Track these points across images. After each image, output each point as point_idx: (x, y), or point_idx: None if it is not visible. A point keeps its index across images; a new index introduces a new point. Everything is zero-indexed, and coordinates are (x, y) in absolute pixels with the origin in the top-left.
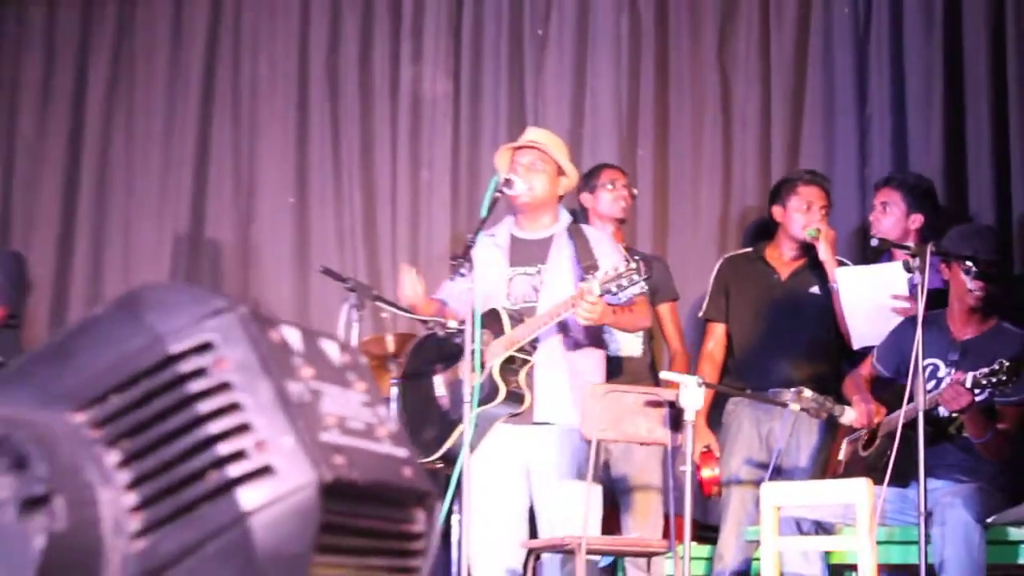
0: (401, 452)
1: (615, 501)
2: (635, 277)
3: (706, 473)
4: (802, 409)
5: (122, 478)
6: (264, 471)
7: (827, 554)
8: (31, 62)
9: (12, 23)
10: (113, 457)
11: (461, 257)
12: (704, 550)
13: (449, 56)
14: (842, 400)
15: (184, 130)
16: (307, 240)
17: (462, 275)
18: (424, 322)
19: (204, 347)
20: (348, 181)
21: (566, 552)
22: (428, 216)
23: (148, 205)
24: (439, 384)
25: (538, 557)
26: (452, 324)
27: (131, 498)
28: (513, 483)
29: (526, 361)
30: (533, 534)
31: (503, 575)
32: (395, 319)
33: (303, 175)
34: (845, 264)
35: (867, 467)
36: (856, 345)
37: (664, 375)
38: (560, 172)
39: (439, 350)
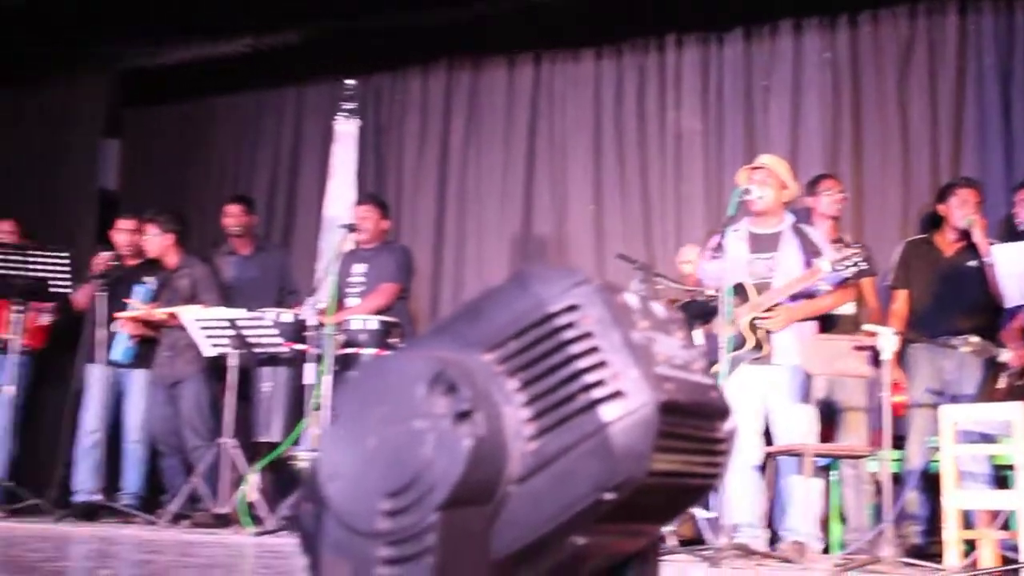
0: (708, 380)
1: (832, 419)
2: (858, 259)
3: (897, 398)
4: (972, 352)
5: (519, 399)
6: (617, 394)
7: (991, 458)
8: (411, 116)
9: (394, 88)
10: (512, 384)
11: (714, 247)
12: (896, 454)
13: (699, 102)
14: (1000, 345)
15: (516, 162)
16: (602, 234)
17: (716, 258)
18: (688, 291)
19: (572, 307)
20: (630, 193)
21: (796, 455)
22: (687, 216)
23: (492, 214)
24: (698, 336)
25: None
26: (708, 292)
27: (525, 413)
28: (755, 406)
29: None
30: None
31: (749, 470)
32: (667, 289)
33: (599, 189)
34: (994, 244)
35: (1021, 394)
36: (1008, 304)
37: (866, 327)
38: (783, 185)
39: (699, 310)
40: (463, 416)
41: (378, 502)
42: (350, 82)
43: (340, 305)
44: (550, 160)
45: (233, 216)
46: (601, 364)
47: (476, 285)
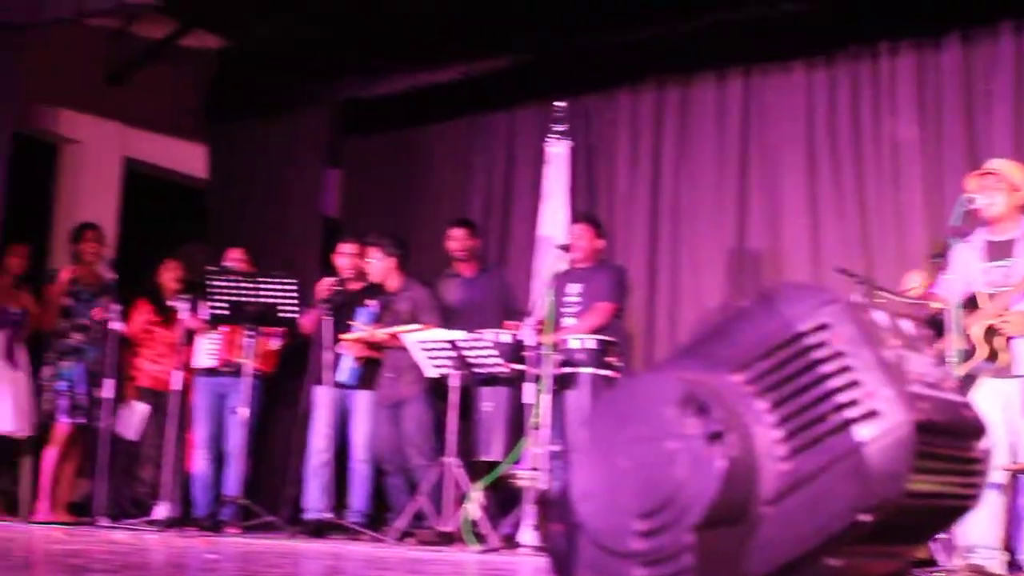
0: (960, 398)
1: None
2: None
3: None
4: None
5: (769, 419)
6: (872, 414)
7: None
8: (622, 135)
9: (604, 107)
10: (762, 405)
11: (941, 256)
12: None
13: (916, 110)
14: None
15: (728, 177)
16: (818, 248)
17: (942, 270)
18: (913, 305)
19: (822, 326)
20: (846, 205)
21: None
22: (907, 228)
23: (706, 230)
24: None
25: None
26: (935, 304)
27: (776, 433)
28: (994, 421)
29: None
30: None
31: (987, 489)
32: (890, 304)
33: (813, 202)
34: None
35: None
36: None
37: None
38: (1015, 188)
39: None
40: (715, 437)
41: (632, 522)
42: (560, 104)
43: (556, 325)
44: (762, 174)
45: (457, 240)
46: (854, 383)
47: (691, 303)
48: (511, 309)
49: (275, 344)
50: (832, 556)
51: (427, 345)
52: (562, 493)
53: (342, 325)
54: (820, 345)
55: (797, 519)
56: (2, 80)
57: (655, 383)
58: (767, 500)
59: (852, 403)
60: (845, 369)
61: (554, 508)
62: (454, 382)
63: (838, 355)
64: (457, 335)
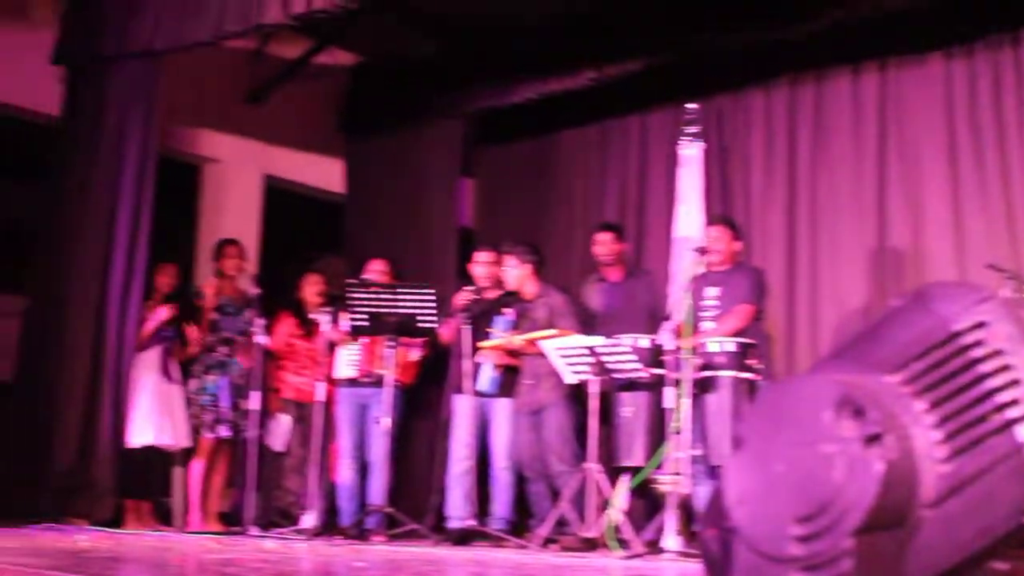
0: None
1: None
2: None
3: None
4: None
5: (928, 420)
6: None
7: None
8: (755, 135)
9: (736, 108)
10: (919, 405)
11: None
12: None
13: None
14: None
15: (866, 173)
16: (962, 244)
17: None
18: None
19: (980, 325)
20: (991, 198)
21: None
22: None
23: (845, 228)
24: None
25: None
26: None
27: (936, 435)
28: None
29: None
30: None
31: None
32: None
33: (955, 196)
34: None
35: None
36: None
37: None
38: None
39: None
40: (873, 439)
41: (789, 527)
42: (692, 106)
43: (695, 328)
44: (902, 169)
45: (603, 244)
46: (1015, 382)
47: (831, 304)
48: (661, 315)
49: (415, 354)
50: (998, 560)
51: (565, 351)
52: (716, 498)
53: (481, 334)
54: (978, 344)
55: (959, 522)
56: (146, 105)
57: (810, 386)
58: (928, 503)
59: (1013, 403)
60: (1005, 368)
61: (708, 513)
62: (594, 388)
63: (997, 353)
64: (595, 340)
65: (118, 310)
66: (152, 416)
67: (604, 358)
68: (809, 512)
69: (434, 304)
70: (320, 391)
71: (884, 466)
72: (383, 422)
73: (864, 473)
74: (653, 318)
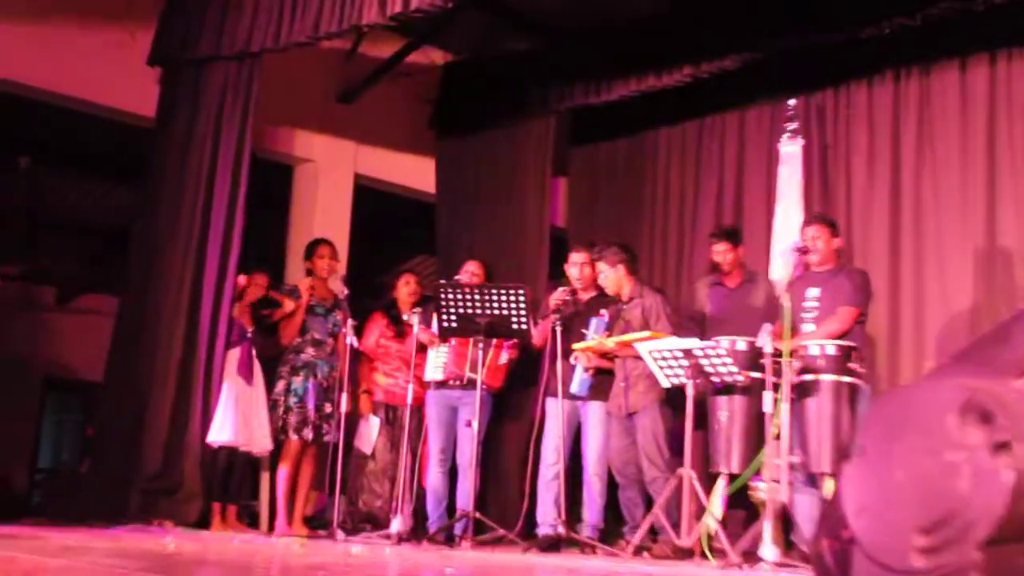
0: None
1: None
2: None
3: None
4: None
5: None
6: None
7: None
8: (857, 131)
9: (838, 103)
10: None
11: None
12: None
13: None
14: None
15: (974, 170)
16: None
17: None
18: None
19: None
20: None
21: None
22: None
23: (952, 227)
24: None
25: None
26: None
27: None
28: None
29: None
30: None
31: None
32: None
33: None
34: None
35: None
36: None
37: None
38: None
39: None
40: (1001, 447)
41: (912, 538)
42: (792, 101)
43: (795, 331)
44: (1013, 165)
45: (721, 254)
46: None
47: (937, 306)
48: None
49: (506, 356)
50: None
51: (660, 353)
52: (832, 507)
53: (574, 335)
54: None
55: None
56: (242, 105)
57: (933, 390)
58: None
59: None
60: None
61: (823, 523)
62: (689, 391)
63: None
64: (691, 343)
65: (210, 312)
66: (230, 416)
67: (700, 361)
68: (933, 523)
69: (526, 305)
70: (410, 393)
71: (1013, 476)
72: (472, 425)
73: (992, 483)
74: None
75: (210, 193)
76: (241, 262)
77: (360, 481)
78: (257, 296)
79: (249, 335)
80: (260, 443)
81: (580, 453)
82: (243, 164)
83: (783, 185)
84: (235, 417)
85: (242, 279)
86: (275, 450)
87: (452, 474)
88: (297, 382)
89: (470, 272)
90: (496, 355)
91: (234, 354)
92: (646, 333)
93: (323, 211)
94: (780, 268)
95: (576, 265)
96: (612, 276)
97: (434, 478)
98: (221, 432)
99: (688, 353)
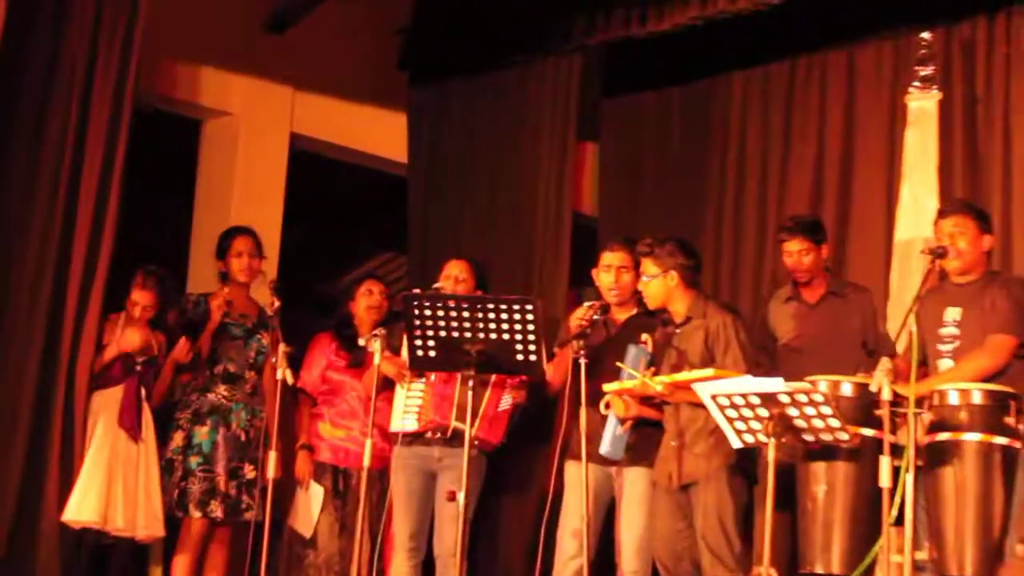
0: None
1: None
2: None
3: None
4: None
5: None
6: None
7: None
8: (1021, 77)
9: (992, 38)
10: None
11: None
12: None
13: None
14: None
15: None
16: None
17: None
18: None
19: None
20: None
21: None
22: None
23: None
24: None
25: None
26: None
27: None
28: None
29: None
30: None
31: None
32: None
33: None
34: None
35: None
36: None
37: None
38: None
39: None
40: None
41: None
42: (925, 35)
43: (926, 368)
44: None
45: (794, 255)
46: None
47: None
48: (872, 347)
49: (508, 400)
50: None
51: (731, 400)
52: None
53: (605, 371)
54: None
55: None
56: (124, 32)
57: None
58: None
59: None
60: None
61: None
62: (771, 455)
63: None
64: (776, 385)
65: (73, 327)
66: (97, 484)
67: (787, 411)
68: None
69: (536, 327)
70: (367, 451)
71: None
72: (458, 498)
73: None
74: (863, 354)
75: (79, 159)
76: (125, 258)
77: None
78: (151, 304)
79: (138, 367)
80: (147, 524)
81: (612, 541)
82: (124, 117)
83: (911, 156)
84: (106, 486)
85: (142, 295)
86: (169, 533)
87: (428, 569)
88: (201, 434)
89: (455, 278)
90: (494, 398)
91: (113, 395)
92: (709, 371)
93: (245, 187)
94: (904, 279)
95: (610, 270)
96: (661, 286)
97: (402, 572)
98: (82, 507)
99: (770, 399)
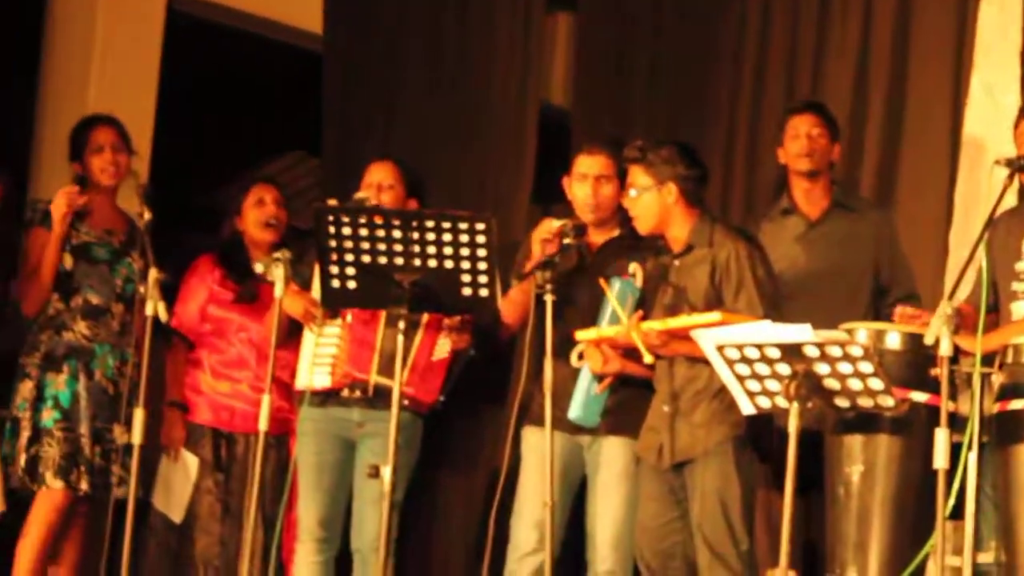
0: None
1: None
2: None
3: None
4: None
5: None
6: None
7: None
8: None
9: None
10: None
11: None
12: None
13: None
14: None
15: None
16: None
17: None
18: None
19: None
20: None
21: None
22: None
23: None
24: None
25: None
26: None
27: None
28: None
29: None
30: None
31: None
32: None
33: None
34: None
35: None
36: None
37: None
38: None
39: None
40: None
41: None
42: None
43: (998, 317)
44: None
45: (802, 140)
46: None
47: None
48: (891, 286)
49: (446, 345)
50: None
51: (741, 352)
52: None
53: (578, 313)
54: None
55: None
56: None
57: None
58: None
59: None
60: None
61: None
62: (792, 425)
63: None
64: (800, 333)
65: None
66: None
67: (817, 367)
68: None
69: (488, 252)
70: (264, 411)
71: None
72: (383, 475)
73: None
74: (879, 292)
75: None
76: None
77: (166, 569)
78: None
79: None
80: None
81: (582, 532)
82: None
83: (985, 37)
84: None
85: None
86: (13, 509)
87: (343, 565)
88: (57, 383)
89: (378, 185)
90: (427, 343)
91: None
92: (715, 316)
93: (107, 60)
94: (971, 196)
95: (586, 179)
96: (654, 202)
97: (306, 570)
98: None
99: (794, 352)
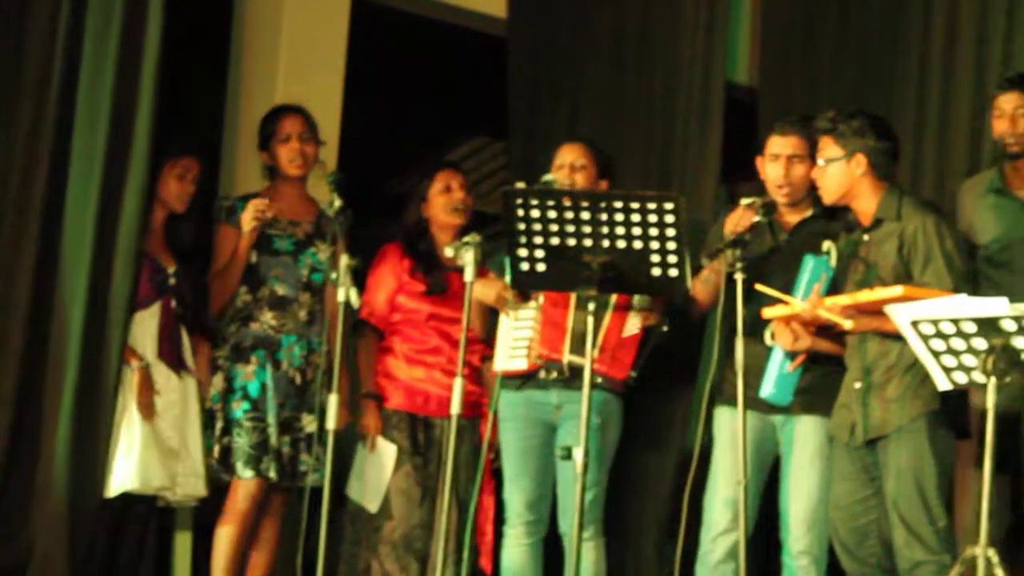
0: None
1: None
2: None
3: None
4: None
5: None
6: None
7: None
8: None
9: None
10: None
11: None
12: None
13: None
14: None
15: None
16: None
17: None
18: None
19: None
20: None
21: None
22: None
23: None
24: None
25: None
26: None
27: None
28: None
29: None
30: None
31: None
32: None
33: None
34: None
35: None
36: None
37: None
38: None
39: None
40: None
41: None
42: None
43: None
44: None
45: (1007, 119)
46: None
47: None
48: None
49: (635, 323)
50: None
51: (936, 327)
52: None
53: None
54: None
55: None
56: None
57: None
58: None
59: None
60: None
61: None
62: (990, 400)
63: None
64: (997, 306)
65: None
66: (139, 439)
67: (1015, 342)
68: None
69: (679, 232)
70: (458, 396)
71: None
72: (575, 456)
73: None
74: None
75: (79, 16)
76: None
77: (361, 561)
78: (182, 202)
79: (172, 281)
80: (187, 483)
81: (775, 511)
82: None
83: None
84: (142, 441)
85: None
86: (213, 495)
87: (549, 548)
88: (246, 374)
89: (570, 166)
90: (617, 321)
91: (148, 320)
92: (898, 290)
93: (294, 50)
94: None
95: (779, 160)
96: (842, 173)
97: (513, 556)
98: (124, 471)
99: (990, 326)
